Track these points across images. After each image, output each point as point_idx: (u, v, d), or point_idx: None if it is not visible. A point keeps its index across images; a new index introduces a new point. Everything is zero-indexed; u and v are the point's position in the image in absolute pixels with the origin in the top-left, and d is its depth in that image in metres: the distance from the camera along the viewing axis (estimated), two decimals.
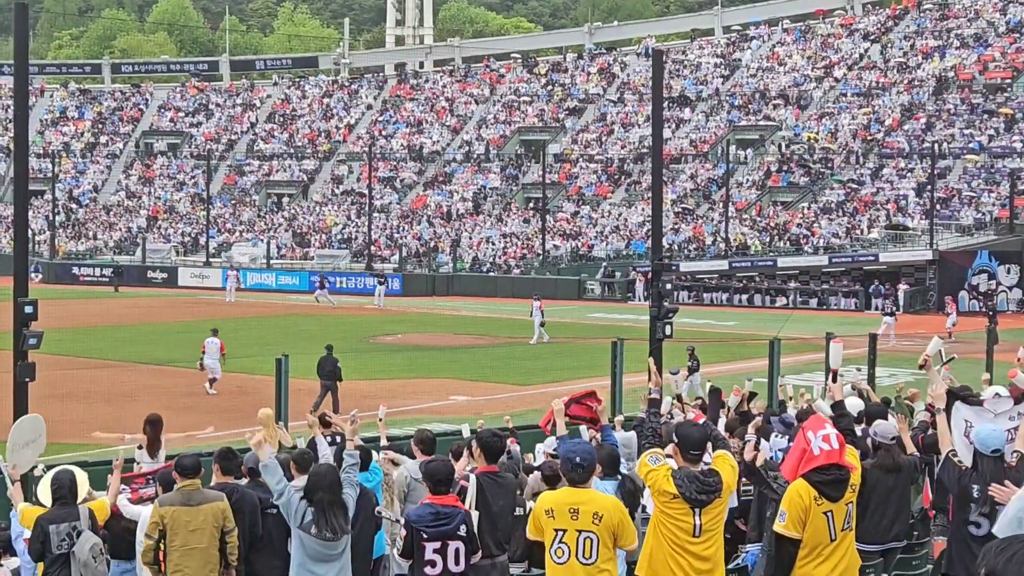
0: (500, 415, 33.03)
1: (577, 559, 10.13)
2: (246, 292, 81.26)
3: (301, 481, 13.74)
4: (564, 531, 10.14)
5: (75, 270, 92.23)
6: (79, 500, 14.14)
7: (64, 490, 13.82)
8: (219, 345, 42.66)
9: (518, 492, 13.98)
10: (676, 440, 10.56)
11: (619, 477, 12.81)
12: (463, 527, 11.12)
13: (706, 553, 10.34)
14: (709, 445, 11.01)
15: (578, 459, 10.36)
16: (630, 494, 12.76)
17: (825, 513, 10.73)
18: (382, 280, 78.55)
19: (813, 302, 76.87)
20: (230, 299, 71.32)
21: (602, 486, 11.96)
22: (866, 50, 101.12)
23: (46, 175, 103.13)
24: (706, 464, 10.65)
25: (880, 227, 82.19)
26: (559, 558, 10.15)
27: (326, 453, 14.32)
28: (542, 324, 55.54)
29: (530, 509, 11.46)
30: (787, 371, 32.43)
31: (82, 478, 14.42)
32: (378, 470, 15.06)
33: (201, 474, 13.45)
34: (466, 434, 16.04)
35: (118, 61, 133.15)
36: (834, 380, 12.59)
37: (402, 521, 11.74)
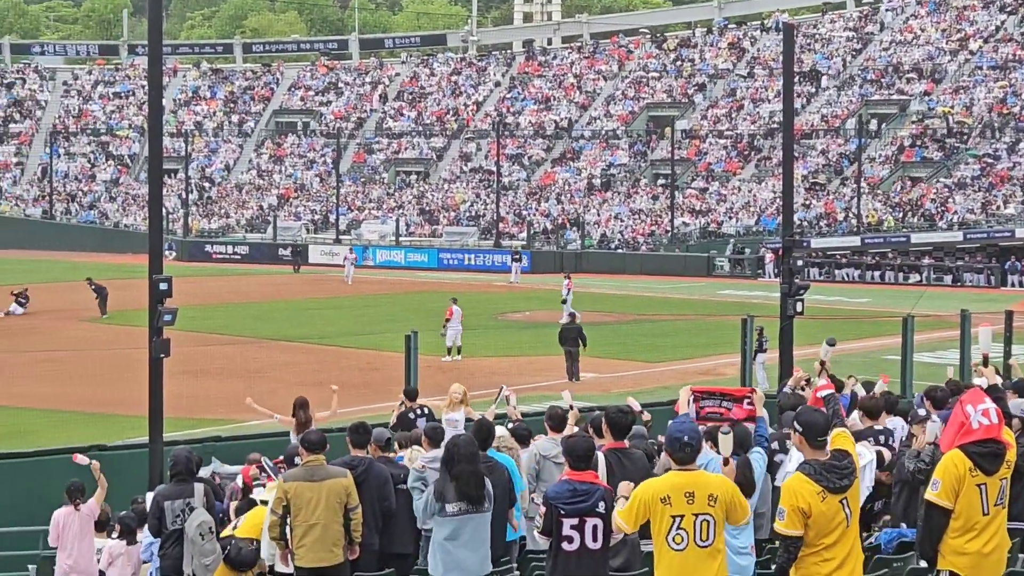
0: (628, 392, 32.98)
1: (695, 543, 9.96)
2: (375, 269, 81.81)
3: (433, 453, 13.78)
4: (681, 516, 9.92)
5: (208, 248, 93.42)
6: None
7: (180, 466, 13.96)
8: (460, 313, 44.43)
9: (650, 469, 13.87)
10: (800, 429, 10.23)
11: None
12: (602, 504, 11.03)
13: (854, 543, 10.16)
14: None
15: (685, 438, 10.16)
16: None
17: (979, 486, 10.40)
18: (517, 257, 78.64)
19: (947, 279, 75.66)
20: (349, 281, 71.40)
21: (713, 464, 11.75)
22: (1002, 22, 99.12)
23: (179, 154, 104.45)
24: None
25: (1016, 202, 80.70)
26: (677, 544, 9.93)
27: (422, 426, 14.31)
28: (563, 301, 52.46)
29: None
30: (920, 349, 31.98)
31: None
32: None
33: (327, 450, 13.50)
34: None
35: (249, 41, 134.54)
36: (986, 364, 12.16)
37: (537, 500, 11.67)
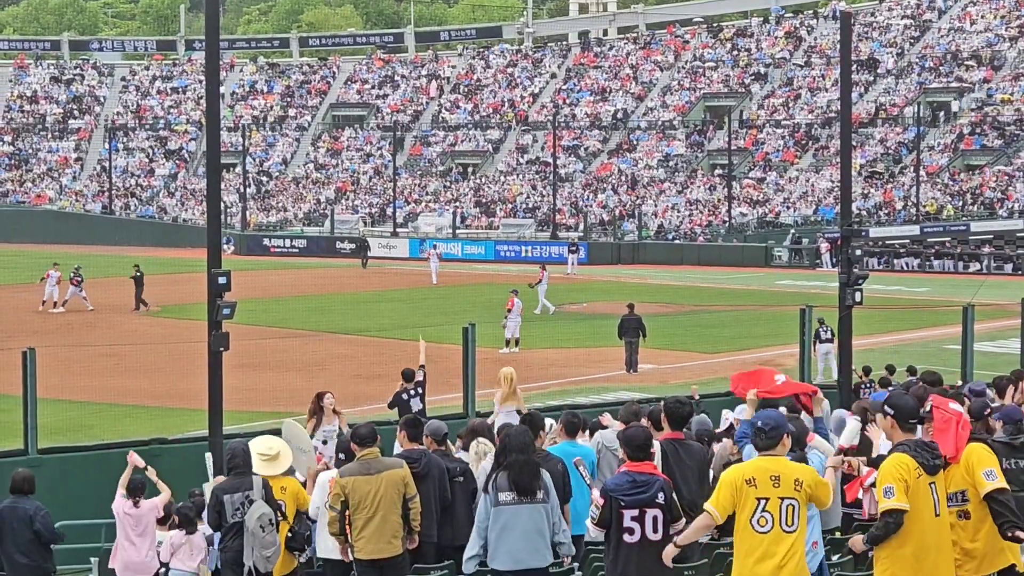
0: (687, 383, 32.87)
1: (781, 527, 10.01)
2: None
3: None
4: (767, 499, 9.99)
5: (266, 241, 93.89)
6: (283, 470, 14.36)
7: (238, 459, 14.01)
8: (521, 306, 44.83)
9: (707, 460, 13.83)
10: (892, 411, 10.32)
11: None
12: (661, 495, 11.02)
13: (945, 536, 10.19)
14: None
15: (760, 423, 10.29)
16: None
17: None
18: (574, 248, 78.57)
19: (1008, 267, 75.09)
20: (435, 279, 69.13)
21: None
22: None
23: (237, 148, 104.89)
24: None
25: None
26: (762, 527, 10.00)
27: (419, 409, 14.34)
28: (534, 285, 52.00)
29: (714, 480, 11.26)
30: (981, 338, 31.74)
31: (286, 449, 14.60)
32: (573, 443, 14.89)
33: (379, 442, 13.52)
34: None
35: (305, 35, 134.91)
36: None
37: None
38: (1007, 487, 10.61)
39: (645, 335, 39.47)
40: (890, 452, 10.29)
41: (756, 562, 10.00)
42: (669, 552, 10.69)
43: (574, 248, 78.65)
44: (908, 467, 10.01)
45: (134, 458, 17.07)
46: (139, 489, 16.64)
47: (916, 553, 10.02)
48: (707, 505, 10.26)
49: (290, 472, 14.74)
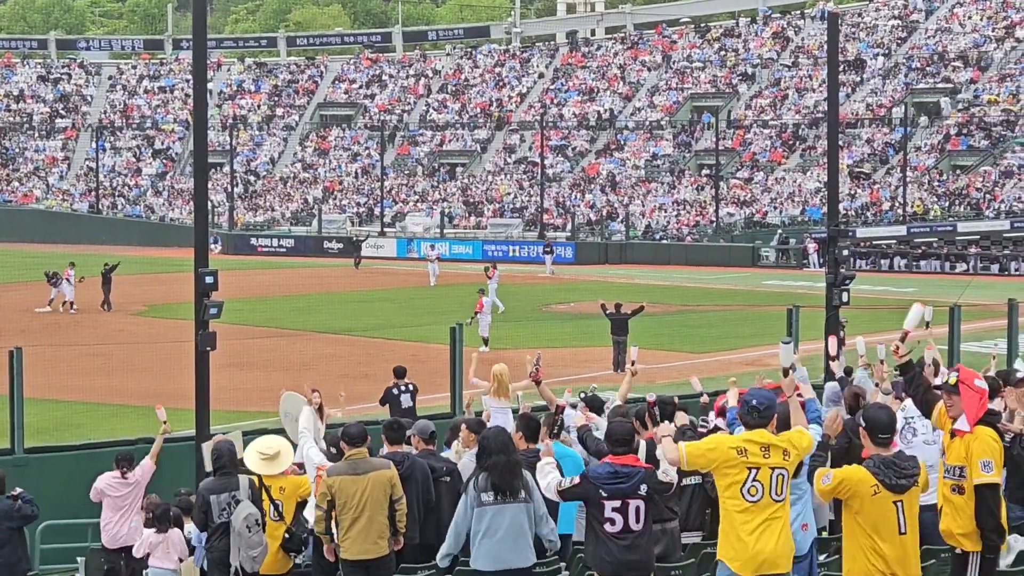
0: (676, 383, 32.89)
1: (771, 496, 10.11)
2: (419, 261, 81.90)
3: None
4: (758, 468, 10.07)
5: (253, 241, 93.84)
6: (282, 470, 14.37)
7: (224, 459, 14.02)
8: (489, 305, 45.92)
9: None
10: (864, 424, 10.30)
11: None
12: (643, 486, 11.07)
13: (911, 553, 10.17)
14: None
15: (754, 402, 10.36)
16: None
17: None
18: (548, 249, 78.57)
19: (994, 267, 75.23)
20: (432, 282, 67.74)
21: None
22: None
23: (224, 148, 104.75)
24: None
25: None
26: (752, 496, 10.07)
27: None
28: (480, 291, 48.88)
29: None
30: (967, 338, 31.81)
31: (286, 448, 14.61)
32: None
33: (368, 443, 13.53)
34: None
35: (293, 34, 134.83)
36: (903, 340, 11.99)
37: None
38: (998, 482, 10.68)
39: (627, 332, 39.44)
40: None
41: (747, 532, 10.06)
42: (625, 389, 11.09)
43: (548, 249, 78.71)
44: (861, 481, 9.95)
45: (161, 412, 17.33)
46: (127, 459, 16.73)
47: (871, 572, 10.01)
48: (681, 444, 10.33)
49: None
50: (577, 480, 11.20)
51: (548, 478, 11.44)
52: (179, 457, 21.66)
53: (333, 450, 14.38)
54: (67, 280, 55.31)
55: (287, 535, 14.20)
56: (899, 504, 9.98)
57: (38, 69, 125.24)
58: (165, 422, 17.38)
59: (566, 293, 62.74)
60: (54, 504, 20.87)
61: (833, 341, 19.36)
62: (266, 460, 14.22)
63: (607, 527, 11.04)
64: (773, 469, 10.10)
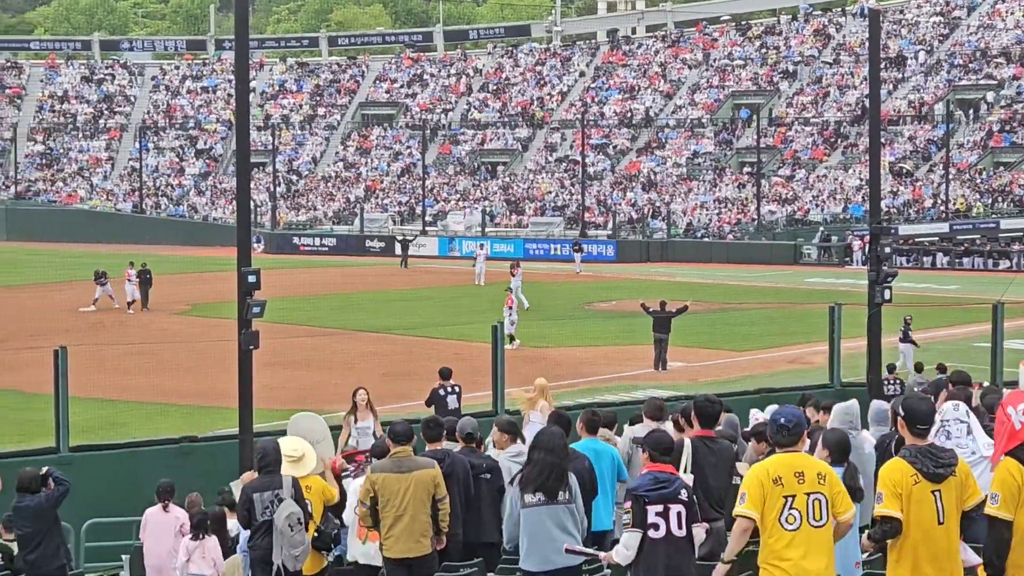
0: (719, 380, 32.88)
1: (808, 522, 9.96)
2: (461, 260, 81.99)
3: (515, 448, 13.83)
4: (793, 496, 9.93)
5: (295, 240, 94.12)
6: (310, 471, 14.40)
7: (269, 458, 14.06)
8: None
9: (735, 458, 13.87)
10: (903, 413, 10.25)
11: (846, 464, 11.90)
12: (683, 492, 11.07)
13: (951, 544, 10.08)
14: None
15: (783, 420, 10.21)
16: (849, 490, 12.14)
17: None
18: (577, 248, 78.38)
19: None
20: (481, 281, 66.31)
21: None
22: None
23: (266, 148, 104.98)
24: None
25: None
26: (790, 524, 9.92)
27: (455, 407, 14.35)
28: (508, 289, 49.30)
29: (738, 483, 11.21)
30: (1011, 336, 31.64)
31: (310, 451, 14.65)
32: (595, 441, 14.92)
33: (414, 441, 13.59)
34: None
35: (335, 34, 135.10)
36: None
37: None
38: (1003, 518, 10.02)
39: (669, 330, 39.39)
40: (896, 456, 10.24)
41: (784, 559, 9.99)
42: (720, 571, 10.68)
43: (577, 248, 78.59)
44: (903, 473, 9.92)
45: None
46: (167, 492, 16.70)
47: (915, 563, 9.94)
48: (738, 510, 10.15)
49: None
50: (628, 508, 11.10)
51: (626, 553, 11.25)
52: (222, 455, 21.78)
53: (375, 459, 14.43)
54: (128, 280, 55.52)
55: (316, 534, 14.25)
56: (937, 494, 9.91)
57: (82, 70, 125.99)
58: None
59: (608, 291, 62.70)
60: (98, 502, 21.01)
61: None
62: (292, 462, 14.26)
63: (651, 533, 11.01)
64: (809, 495, 9.96)
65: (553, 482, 12.02)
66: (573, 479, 12.14)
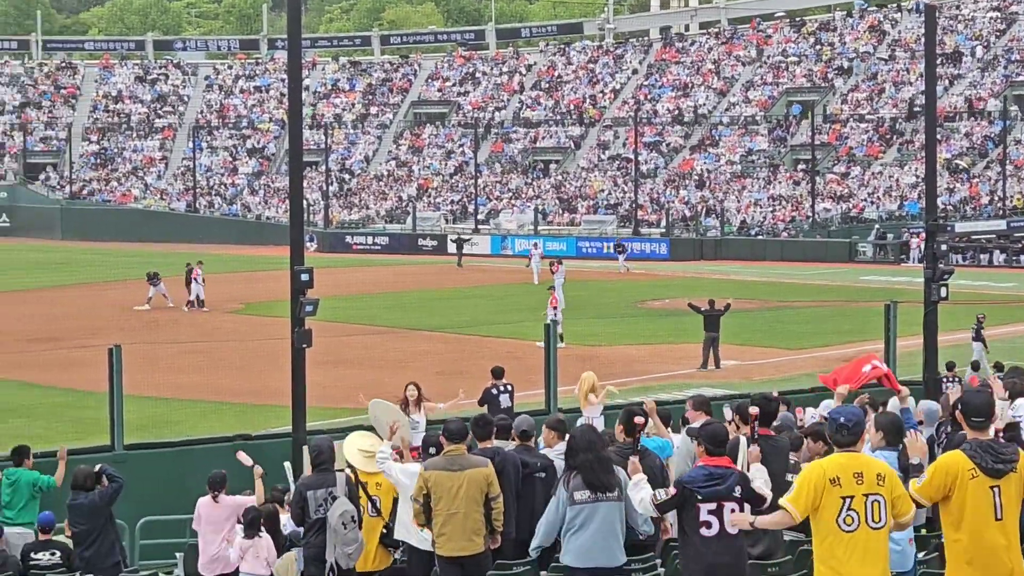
0: (770, 380, 32.68)
1: (867, 524, 9.81)
2: (514, 258, 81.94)
3: (562, 446, 13.75)
4: (851, 497, 9.78)
5: (348, 239, 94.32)
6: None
7: (323, 456, 14.06)
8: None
9: (791, 456, 13.76)
10: (960, 407, 10.18)
11: (901, 446, 11.92)
12: (738, 488, 10.94)
13: (1010, 540, 9.94)
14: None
15: (842, 419, 10.07)
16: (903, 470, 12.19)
17: None
18: (620, 248, 78.07)
19: None
20: (536, 280, 65.38)
21: (880, 456, 11.49)
22: None
23: (319, 147, 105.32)
24: None
25: None
26: (848, 526, 9.77)
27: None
28: (551, 288, 49.56)
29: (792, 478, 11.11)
30: None
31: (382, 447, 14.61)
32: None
33: (467, 440, 13.52)
34: None
35: (387, 32, 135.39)
36: None
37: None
38: None
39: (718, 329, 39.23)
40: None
41: (841, 561, 9.85)
42: (744, 519, 10.61)
43: (620, 248, 78.30)
44: (959, 465, 9.81)
45: (242, 457, 17.20)
46: (219, 483, 16.66)
47: (972, 558, 9.83)
48: (785, 502, 10.02)
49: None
50: (673, 491, 11.05)
51: (642, 493, 11.32)
52: (275, 453, 21.79)
53: (432, 450, 14.36)
54: (195, 279, 55.66)
55: (384, 530, 14.21)
56: (996, 489, 9.80)
57: (136, 70, 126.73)
58: (253, 466, 17.19)
59: (661, 289, 62.51)
60: (152, 500, 21.08)
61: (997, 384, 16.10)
62: (368, 457, 14.24)
63: (703, 531, 10.90)
64: (867, 496, 9.82)
65: (602, 476, 11.94)
66: (623, 475, 12.03)
